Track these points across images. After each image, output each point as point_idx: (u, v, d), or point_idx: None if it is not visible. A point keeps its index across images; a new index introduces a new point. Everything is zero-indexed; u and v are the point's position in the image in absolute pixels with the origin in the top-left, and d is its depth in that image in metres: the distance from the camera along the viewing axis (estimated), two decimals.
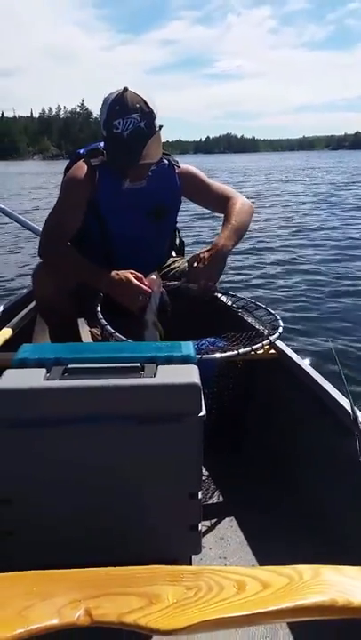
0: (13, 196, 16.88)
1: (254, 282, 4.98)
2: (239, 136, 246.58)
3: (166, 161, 1.72)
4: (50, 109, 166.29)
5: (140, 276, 1.50)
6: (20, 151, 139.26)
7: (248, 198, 1.80)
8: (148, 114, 1.52)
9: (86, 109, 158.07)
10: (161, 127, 1.59)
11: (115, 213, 1.67)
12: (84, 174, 1.64)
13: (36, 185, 21.70)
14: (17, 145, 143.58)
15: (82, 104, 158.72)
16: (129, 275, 1.49)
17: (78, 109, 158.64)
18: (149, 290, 1.48)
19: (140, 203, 1.68)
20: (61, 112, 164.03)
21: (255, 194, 14.39)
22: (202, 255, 1.59)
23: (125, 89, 1.52)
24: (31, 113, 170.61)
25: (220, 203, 1.77)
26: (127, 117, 1.50)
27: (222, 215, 1.72)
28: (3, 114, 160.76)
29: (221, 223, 1.69)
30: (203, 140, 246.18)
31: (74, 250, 1.59)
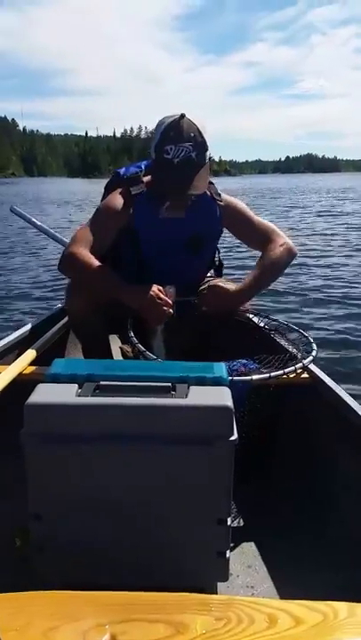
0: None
1: (289, 303, 4.90)
2: (320, 156, 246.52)
3: (208, 193, 1.69)
4: (131, 129, 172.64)
5: (162, 288, 1.51)
6: (102, 170, 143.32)
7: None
8: (200, 144, 1.51)
9: None
10: (210, 159, 1.58)
11: (151, 243, 1.67)
12: (121, 204, 1.63)
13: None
14: (99, 164, 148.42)
15: None
16: (157, 290, 1.49)
17: None
18: (170, 303, 1.49)
19: (177, 233, 1.67)
20: (142, 132, 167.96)
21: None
22: (222, 290, 1.59)
23: (182, 115, 1.51)
24: (114, 132, 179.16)
25: (261, 242, 1.74)
26: (180, 145, 1.49)
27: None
28: (87, 133, 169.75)
29: (256, 265, 1.69)
30: (282, 159, 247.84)
31: (94, 260, 1.55)
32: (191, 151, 1.50)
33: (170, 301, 1.49)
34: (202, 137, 1.52)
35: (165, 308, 1.48)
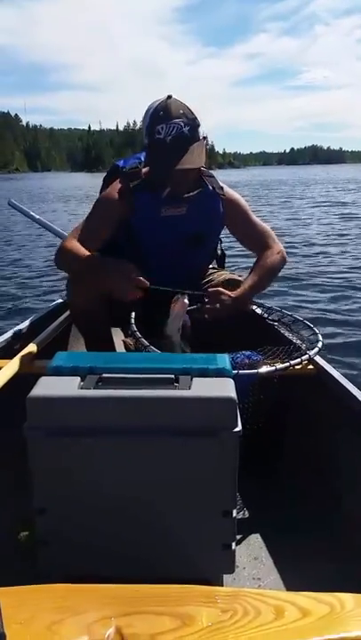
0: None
1: (293, 294, 4.87)
2: (325, 147, 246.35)
3: (211, 187, 1.67)
4: (134, 122, 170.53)
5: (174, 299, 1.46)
6: (105, 163, 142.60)
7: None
8: (191, 120, 1.51)
9: None
10: (205, 138, 1.56)
11: (151, 240, 1.65)
12: (119, 198, 1.61)
13: None
14: (102, 157, 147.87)
15: None
16: (131, 269, 1.46)
17: None
18: (147, 284, 1.44)
19: (178, 230, 1.65)
20: None
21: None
22: (224, 296, 1.58)
23: (169, 96, 1.51)
24: (117, 126, 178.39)
25: (257, 245, 1.74)
26: (170, 123, 1.48)
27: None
28: (90, 127, 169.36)
29: (252, 268, 1.69)
30: (287, 151, 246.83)
31: (82, 250, 1.54)
32: (183, 127, 1.49)
33: (146, 283, 1.45)
34: (193, 114, 1.51)
35: (135, 290, 1.44)
